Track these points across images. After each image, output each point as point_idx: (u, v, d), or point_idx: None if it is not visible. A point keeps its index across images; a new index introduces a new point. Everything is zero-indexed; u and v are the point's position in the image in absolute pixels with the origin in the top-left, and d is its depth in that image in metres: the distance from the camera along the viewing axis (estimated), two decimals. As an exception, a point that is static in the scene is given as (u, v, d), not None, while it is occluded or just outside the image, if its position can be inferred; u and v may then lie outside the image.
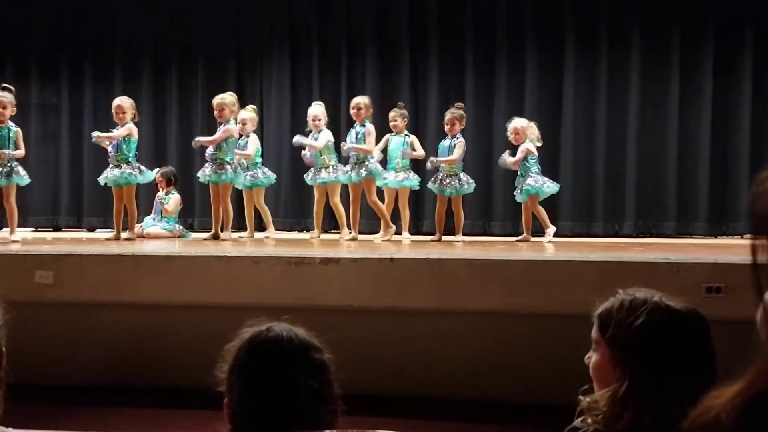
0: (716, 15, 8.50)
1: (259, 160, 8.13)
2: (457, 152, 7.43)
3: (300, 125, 8.35)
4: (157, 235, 8.12)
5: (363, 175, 7.39)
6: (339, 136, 7.97)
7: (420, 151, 7.68)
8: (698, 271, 4.98)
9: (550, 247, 7.03)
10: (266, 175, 8.09)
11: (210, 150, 7.47)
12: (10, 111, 6.92)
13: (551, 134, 8.37)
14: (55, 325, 5.76)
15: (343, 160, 7.73)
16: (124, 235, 7.38)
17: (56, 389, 5.41)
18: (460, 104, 7.72)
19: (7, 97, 6.92)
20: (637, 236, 8.53)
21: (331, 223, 8.44)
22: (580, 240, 8.17)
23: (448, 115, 7.53)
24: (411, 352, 5.44)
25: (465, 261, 5.46)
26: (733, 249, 6.21)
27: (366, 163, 7.40)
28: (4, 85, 7.07)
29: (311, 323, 1.90)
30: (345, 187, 7.70)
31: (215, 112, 7.43)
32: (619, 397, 1.79)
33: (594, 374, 1.94)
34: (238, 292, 5.42)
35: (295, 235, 9.10)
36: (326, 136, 7.69)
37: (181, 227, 8.45)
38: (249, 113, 8.00)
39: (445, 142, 7.54)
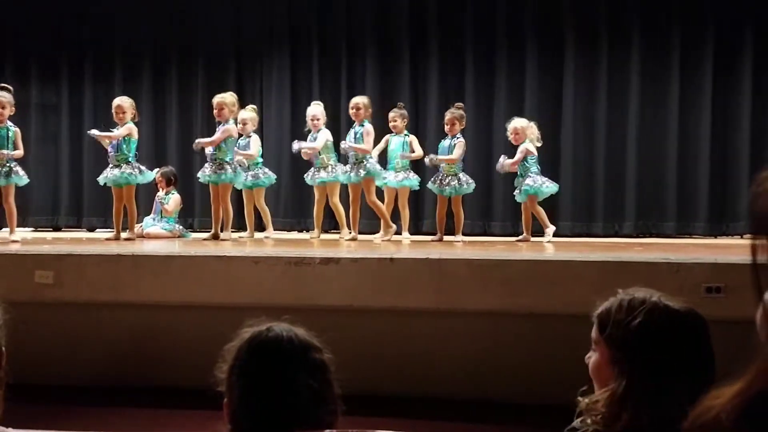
0: (716, 15, 8.50)
1: (261, 160, 8.13)
2: (457, 152, 7.43)
3: (300, 125, 8.35)
4: (157, 235, 8.12)
5: (362, 175, 7.39)
6: (339, 136, 7.97)
7: (419, 151, 7.68)
8: (698, 271, 4.98)
9: (550, 247, 7.03)
10: (267, 175, 8.09)
11: (210, 150, 7.47)
12: (8, 111, 6.92)
13: (551, 134, 8.37)
14: (55, 325, 5.76)
15: (342, 159, 7.74)
16: (123, 235, 7.38)
17: (56, 389, 5.41)
18: (460, 104, 7.72)
19: (6, 97, 6.91)
20: (637, 236, 8.53)
21: (331, 223, 8.44)
22: (580, 240, 8.17)
23: (448, 115, 7.53)
24: (411, 352, 5.44)
25: (465, 261, 5.46)
26: (733, 249, 6.21)
27: (364, 163, 7.40)
28: (3, 85, 7.07)
29: (311, 323, 1.90)
30: (345, 187, 7.70)
31: (214, 111, 7.44)
32: (617, 397, 1.80)
33: (594, 374, 1.94)
34: (238, 292, 5.42)
35: (295, 235, 9.10)
36: (325, 136, 7.69)
37: (181, 227, 8.45)
38: (249, 113, 8.00)
39: (445, 142, 7.54)
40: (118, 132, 7.26)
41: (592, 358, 1.95)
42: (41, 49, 10.09)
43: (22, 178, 7.04)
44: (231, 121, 7.44)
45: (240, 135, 7.80)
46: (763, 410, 0.99)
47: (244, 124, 7.84)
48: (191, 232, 8.63)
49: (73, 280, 5.68)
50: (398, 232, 7.72)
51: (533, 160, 7.45)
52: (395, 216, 7.78)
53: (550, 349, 4.94)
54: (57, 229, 10.08)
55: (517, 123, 7.60)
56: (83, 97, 10.12)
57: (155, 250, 6.59)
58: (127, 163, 7.26)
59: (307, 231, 8.81)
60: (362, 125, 7.50)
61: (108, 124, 7.69)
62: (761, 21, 8.41)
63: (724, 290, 4.81)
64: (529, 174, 7.41)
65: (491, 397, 5.26)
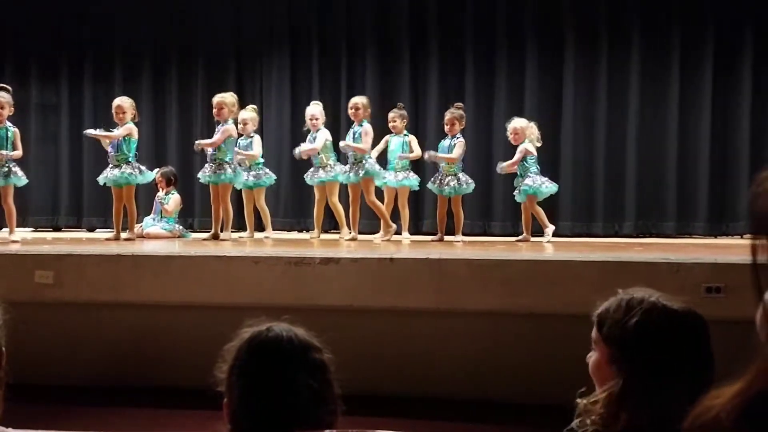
0: (716, 15, 8.50)
1: (262, 160, 8.13)
2: (457, 152, 7.43)
3: (300, 125, 8.34)
4: (157, 235, 8.12)
5: (361, 175, 7.39)
6: (339, 136, 7.98)
7: (417, 151, 7.68)
8: (698, 271, 4.98)
9: (549, 247, 7.03)
10: (267, 175, 8.09)
11: (209, 150, 7.47)
12: (7, 111, 6.92)
13: (551, 134, 8.37)
14: (55, 325, 5.77)
15: (342, 159, 7.73)
16: (123, 235, 7.38)
17: (56, 389, 5.41)
18: (460, 104, 7.73)
19: (5, 98, 6.91)
20: (637, 236, 8.53)
21: (331, 223, 8.44)
22: (580, 240, 8.17)
23: (447, 115, 7.54)
24: (411, 352, 5.44)
25: (465, 261, 5.47)
26: (733, 249, 6.21)
27: (363, 163, 7.40)
28: (2, 85, 7.07)
29: (311, 323, 1.90)
30: (344, 187, 7.71)
31: (214, 111, 7.44)
32: (615, 396, 1.80)
33: (593, 374, 1.94)
34: (238, 292, 5.42)
35: (295, 235, 9.10)
36: (324, 136, 7.70)
37: (180, 227, 8.45)
38: (250, 113, 8.00)
39: (445, 142, 7.55)
40: (117, 132, 7.26)
41: (592, 357, 1.95)
42: (41, 49, 10.09)
43: (20, 178, 7.04)
44: (230, 121, 7.44)
45: (240, 135, 7.80)
46: (763, 410, 0.99)
47: (245, 124, 7.84)
48: (191, 232, 8.63)
49: (73, 280, 5.68)
50: (398, 232, 7.72)
51: (533, 160, 7.45)
52: (395, 216, 7.78)
53: (550, 349, 4.93)
54: (57, 229, 10.08)
55: (517, 123, 7.60)
56: (83, 97, 10.12)
57: (155, 250, 6.59)
58: (127, 163, 7.27)
59: (307, 231, 8.81)
60: (361, 125, 7.50)
61: (108, 124, 7.70)
62: (761, 21, 8.41)
63: (724, 290, 4.81)
64: (529, 174, 7.41)
65: (491, 397, 5.26)
